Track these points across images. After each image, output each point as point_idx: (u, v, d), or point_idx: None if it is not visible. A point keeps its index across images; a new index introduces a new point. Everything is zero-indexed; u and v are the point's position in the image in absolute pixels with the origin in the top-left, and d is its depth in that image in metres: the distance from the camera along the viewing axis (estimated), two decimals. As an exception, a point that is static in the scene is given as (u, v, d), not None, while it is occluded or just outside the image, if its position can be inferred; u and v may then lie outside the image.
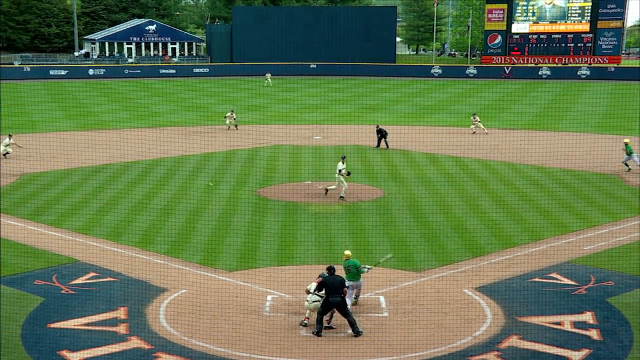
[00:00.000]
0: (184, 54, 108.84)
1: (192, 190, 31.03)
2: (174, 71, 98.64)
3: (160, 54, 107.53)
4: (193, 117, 50.45)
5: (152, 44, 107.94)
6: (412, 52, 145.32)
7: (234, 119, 49.10)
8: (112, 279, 19.64)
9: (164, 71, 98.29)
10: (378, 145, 42.22)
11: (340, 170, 29.13)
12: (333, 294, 15.97)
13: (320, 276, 16.62)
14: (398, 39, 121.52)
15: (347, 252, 17.85)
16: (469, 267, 20.80)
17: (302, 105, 65.34)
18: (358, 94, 76.16)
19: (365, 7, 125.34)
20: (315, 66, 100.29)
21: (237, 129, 48.34)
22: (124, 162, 37.36)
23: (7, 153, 37.92)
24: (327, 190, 29.25)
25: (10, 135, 38.89)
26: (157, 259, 21.44)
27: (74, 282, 19.36)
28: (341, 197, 28.87)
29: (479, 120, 48.74)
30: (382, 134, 42.11)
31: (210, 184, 32.04)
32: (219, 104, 65.37)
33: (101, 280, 19.57)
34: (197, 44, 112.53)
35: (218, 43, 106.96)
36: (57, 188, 31.52)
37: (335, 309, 16.14)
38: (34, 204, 28.36)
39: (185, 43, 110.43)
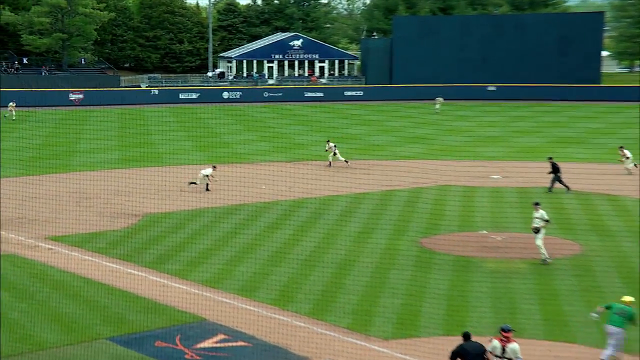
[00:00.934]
0: (334, 74, 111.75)
1: (340, 237, 31.18)
2: (321, 94, 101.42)
3: (307, 74, 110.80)
4: (343, 150, 51.09)
5: (297, 62, 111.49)
6: (623, 70, 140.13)
7: (334, 152, 49.59)
8: (244, 344, 20.02)
9: (310, 94, 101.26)
10: (550, 188, 41.38)
11: (536, 222, 28.32)
12: None
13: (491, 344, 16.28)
14: (605, 53, 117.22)
15: (630, 299, 18.74)
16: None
17: (477, 137, 65.01)
18: (549, 123, 74.77)
19: (562, 14, 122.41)
20: (494, 89, 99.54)
21: (346, 163, 48.89)
22: (260, 202, 38.27)
23: (206, 184, 41.06)
24: (544, 259, 27.96)
25: (214, 167, 42.03)
26: (298, 321, 21.74)
27: (200, 346, 19.87)
28: (544, 260, 27.82)
29: (628, 155, 46.93)
30: (555, 171, 41.51)
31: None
32: (374, 134, 66.02)
33: (232, 344, 19.99)
34: (350, 61, 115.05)
35: (375, 61, 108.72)
36: (184, 232, 32.60)
37: None
38: (157, 250, 29.38)
39: (336, 61, 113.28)
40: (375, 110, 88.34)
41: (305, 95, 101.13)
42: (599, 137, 63.57)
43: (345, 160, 49.69)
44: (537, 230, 28.06)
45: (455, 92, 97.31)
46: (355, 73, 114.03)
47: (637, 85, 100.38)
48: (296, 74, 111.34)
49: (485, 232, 32.48)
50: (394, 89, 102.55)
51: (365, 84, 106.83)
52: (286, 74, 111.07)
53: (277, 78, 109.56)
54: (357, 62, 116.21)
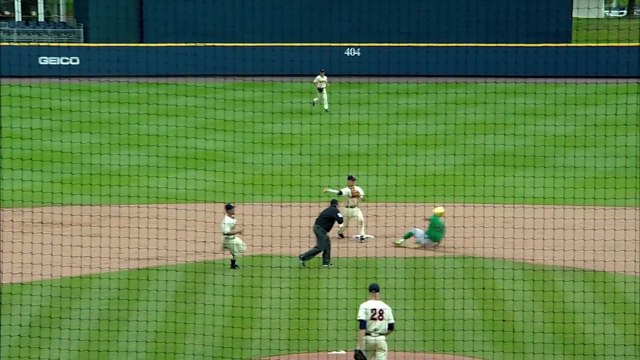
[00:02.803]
0: (13, 19, 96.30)
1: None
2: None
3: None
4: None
5: None
6: (618, 13, 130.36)
7: None
8: None
9: None
10: None
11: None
12: None
13: None
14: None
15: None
16: None
17: (317, 154, 58.87)
18: (473, 125, 62.74)
19: None
20: (356, 53, 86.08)
21: None
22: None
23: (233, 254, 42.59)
24: None
25: (229, 207, 41.52)
26: None
27: None
28: None
29: None
30: None
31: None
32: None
33: None
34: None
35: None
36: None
37: None
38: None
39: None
40: (105, 95, 73.66)
41: None
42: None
43: None
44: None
45: (272, 61, 78.30)
46: (62, 18, 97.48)
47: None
48: None
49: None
50: (148, 53, 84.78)
51: (84, 42, 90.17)
52: None
53: None
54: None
